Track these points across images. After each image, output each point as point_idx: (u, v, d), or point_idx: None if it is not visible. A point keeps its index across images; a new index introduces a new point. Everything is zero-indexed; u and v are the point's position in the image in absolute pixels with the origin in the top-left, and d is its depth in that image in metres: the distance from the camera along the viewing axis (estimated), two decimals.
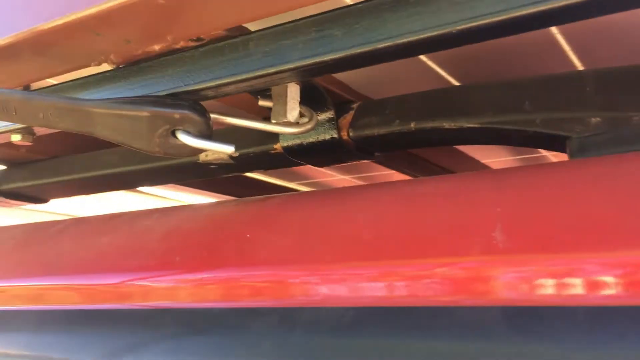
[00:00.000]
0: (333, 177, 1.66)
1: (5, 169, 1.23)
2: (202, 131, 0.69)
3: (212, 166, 0.97)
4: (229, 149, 0.68)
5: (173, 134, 0.68)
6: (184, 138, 0.68)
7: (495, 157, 1.43)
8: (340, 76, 0.96)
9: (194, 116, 0.68)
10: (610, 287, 0.49)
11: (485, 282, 0.51)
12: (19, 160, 1.22)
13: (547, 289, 0.50)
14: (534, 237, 0.51)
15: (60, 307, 0.78)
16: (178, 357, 0.65)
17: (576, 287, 0.49)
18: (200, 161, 0.96)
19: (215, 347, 0.64)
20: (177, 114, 0.67)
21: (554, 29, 0.85)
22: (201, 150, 0.70)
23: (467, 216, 0.54)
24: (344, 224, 0.62)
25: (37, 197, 1.25)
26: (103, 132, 0.69)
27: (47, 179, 1.17)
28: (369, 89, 1.02)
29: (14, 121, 0.69)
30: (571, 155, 0.63)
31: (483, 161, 1.44)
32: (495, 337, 0.49)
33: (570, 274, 0.50)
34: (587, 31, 0.82)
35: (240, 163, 0.94)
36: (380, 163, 1.16)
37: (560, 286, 0.50)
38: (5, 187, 1.21)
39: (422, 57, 0.93)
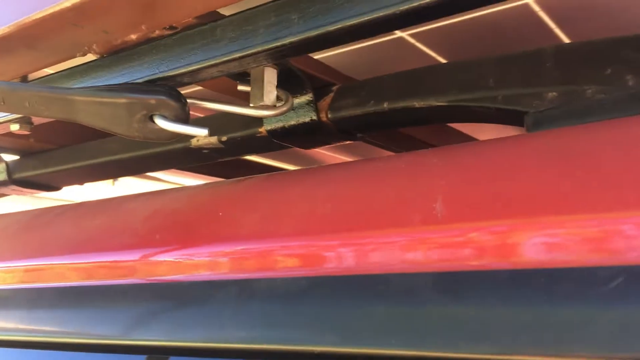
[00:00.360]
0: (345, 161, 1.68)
1: (17, 159, 1.29)
2: (178, 116, 0.72)
3: (204, 151, 1.01)
4: (203, 132, 0.71)
5: (151, 119, 0.72)
6: (160, 122, 0.71)
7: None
8: (328, 60, 0.98)
9: (170, 101, 0.71)
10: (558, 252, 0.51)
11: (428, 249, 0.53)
12: (29, 150, 1.27)
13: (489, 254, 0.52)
14: (474, 205, 0.53)
15: (58, 284, 0.83)
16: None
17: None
18: (192, 146, 1.00)
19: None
20: (153, 99, 0.71)
21: (535, 6, 0.85)
22: (179, 135, 0.73)
23: (413, 189, 0.56)
24: (305, 201, 0.65)
25: (48, 184, 1.30)
26: (85, 118, 0.73)
27: (56, 167, 1.22)
28: (360, 71, 1.04)
29: (3, 110, 0.73)
30: (527, 130, 0.64)
31: None
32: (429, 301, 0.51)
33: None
34: (567, 5, 0.82)
35: (229, 147, 0.97)
36: (383, 147, 1.18)
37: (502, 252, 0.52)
38: (18, 175, 1.27)
39: (410, 39, 0.95)
